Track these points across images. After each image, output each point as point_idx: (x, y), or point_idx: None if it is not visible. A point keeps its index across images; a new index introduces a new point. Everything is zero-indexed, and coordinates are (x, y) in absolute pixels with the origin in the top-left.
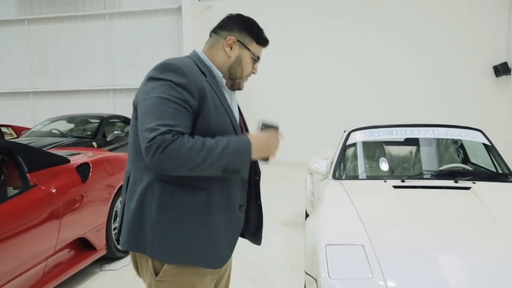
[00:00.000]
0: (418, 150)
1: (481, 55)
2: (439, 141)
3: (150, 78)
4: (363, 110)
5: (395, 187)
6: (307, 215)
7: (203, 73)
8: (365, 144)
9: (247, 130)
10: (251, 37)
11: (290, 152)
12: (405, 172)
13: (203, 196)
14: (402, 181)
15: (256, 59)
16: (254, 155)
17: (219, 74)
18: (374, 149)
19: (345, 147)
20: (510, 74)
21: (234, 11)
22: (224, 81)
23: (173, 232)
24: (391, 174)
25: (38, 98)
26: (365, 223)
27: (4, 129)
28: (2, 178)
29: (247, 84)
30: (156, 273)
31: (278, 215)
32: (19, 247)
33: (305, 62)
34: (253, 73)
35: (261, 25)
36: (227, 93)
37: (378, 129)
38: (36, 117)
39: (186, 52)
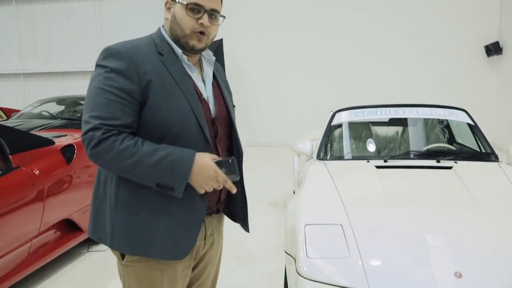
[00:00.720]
0: (404, 130)
1: (473, 35)
2: (425, 121)
3: (96, 65)
4: (354, 91)
5: (377, 167)
6: None
7: (159, 52)
8: (352, 124)
9: (225, 103)
10: None
11: (281, 133)
12: (391, 152)
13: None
14: (385, 161)
15: (191, 8)
16: (193, 179)
17: (179, 50)
18: (361, 130)
19: (330, 128)
20: (501, 54)
21: None
22: (185, 57)
23: (131, 224)
24: (378, 154)
25: (28, 79)
26: (345, 203)
27: None
28: None
29: (239, 66)
30: (123, 257)
31: (267, 196)
32: (2, 228)
33: (297, 43)
34: (202, 25)
35: (254, 7)
36: (193, 70)
37: (363, 109)
38: (27, 99)
39: None
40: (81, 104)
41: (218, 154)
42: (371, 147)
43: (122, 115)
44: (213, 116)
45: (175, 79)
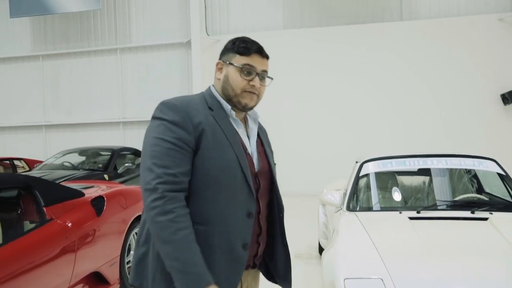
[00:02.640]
0: (431, 180)
1: (489, 83)
2: (452, 171)
3: (152, 117)
4: (373, 140)
5: (411, 218)
6: (320, 247)
7: (209, 107)
8: (378, 174)
9: (267, 159)
10: (232, 52)
11: (301, 183)
12: (419, 202)
13: (201, 235)
14: (418, 212)
15: (244, 69)
16: None
17: (227, 106)
18: (386, 180)
19: (358, 178)
20: None
21: None
22: (233, 113)
23: None
24: (405, 204)
25: (50, 131)
26: (383, 256)
27: (17, 162)
28: (19, 212)
29: (262, 116)
30: None
31: (291, 247)
32: (35, 282)
33: (318, 92)
34: (253, 86)
35: (273, 56)
36: (239, 125)
37: (391, 160)
38: (48, 150)
39: (195, 85)
40: (102, 155)
41: (259, 207)
42: (399, 197)
43: (181, 163)
44: (256, 170)
45: (224, 132)
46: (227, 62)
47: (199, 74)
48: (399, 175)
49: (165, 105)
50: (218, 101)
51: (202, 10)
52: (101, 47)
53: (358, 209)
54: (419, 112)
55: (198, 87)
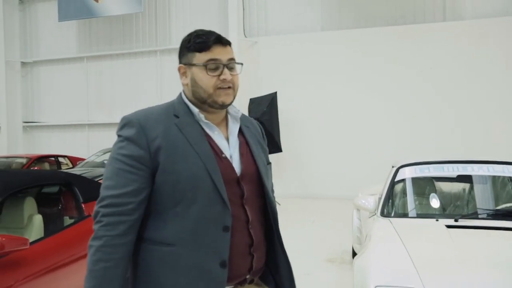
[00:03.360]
0: (471, 188)
1: None
2: (494, 179)
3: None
4: (413, 145)
5: (448, 226)
6: (353, 252)
7: (175, 115)
8: (414, 180)
9: (254, 160)
10: (190, 51)
11: (333, 185)
12: (458, 210)
13: (170, 256)
14: (456, 220)
15: (209, 66)
16: None
17: (195, 110)
18: (423, 186)
19: (393, 183)
20: None
21: (279, 46)
22: (202, 115)
23: None
24: (443, 212)
25: (92, 130)
26: (416, 264)
27: (61, 159)
28: (60, 208)
29: (291, 118)
30: None
31: (322, 251)
32: (73, 275)
33: (356, 94)
34: (224, 79)
35: (307, 60)
36: (212, 128)
37: (429, 165)
38: (90, 148)
39: None
40: None
41: (246, 215)
42: (436, 204)
43: (129, 183)
44: (238, 174)
45: (188, 140)
46: (189, 64)
47: None
48: (437, 181)
49: (121, 121)
50: (187, 106)
51: (240, 11)
52: (141, 48)
53: (392, 215)
54: (462, 116)
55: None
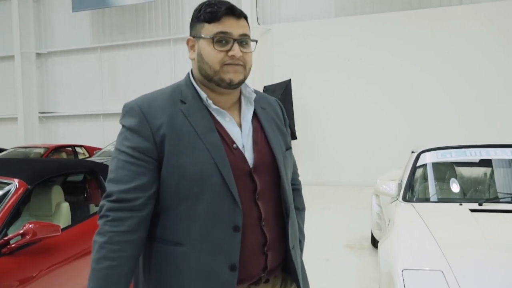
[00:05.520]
0: (493, 172)
1: None
2: None
3: None
4: (428, 130)
5: (472, 210)
6: (373, 238)
7: (181, 101)
8: (435, 165)
9: (270, 147)
10: (199, 21)
11: (349, 172)
12: (479, 195)
13: (176, 257)
14: (480, 204)
15: (219, 39)
16: None
17: (203, 95)
18: (445, 170)
19: (414, 169)
20: None
21: (293, 33)
22: (211, 101)
23: None
24: (464, 196)
25: (107, 119)
26: (442, 247)
27: (78, 149)
28: (85, 195)
29: (306, 105)
30: None
31: (341, 237)
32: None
33: (372, 80)
34: (233, 56)
35: (321, 47)
36: (223, 114)
37: (450, 150)
38: (106, 138)
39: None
40: None
41: (259, 211)
42: (457, 189)
43: (135, 176)
44: (251, 166)
45: (195, 130)
46: (197, 36)
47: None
48: (457, 166)
49: (123, 108)
50: (195, 89)
51: None
52: (155, 38)
53: (414, 200)
54: (482, 101)
55: (248, 77)
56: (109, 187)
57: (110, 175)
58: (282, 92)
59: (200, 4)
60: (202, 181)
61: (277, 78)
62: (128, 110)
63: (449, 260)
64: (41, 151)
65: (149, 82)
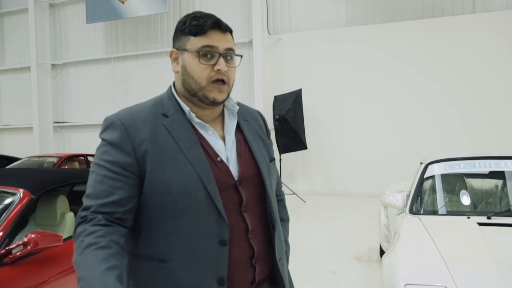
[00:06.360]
0: (504, 184)
1: None
2: None
3: None
4: (440, 141)
5: (480, 224)
6: (381, 250)
7: (164, 114)
8: (444, 176)
9: (254, 160)
10: (184, 34)
11: (358, 183)
12: (490, 208)
13: (162, 274)
14: (488, 217)
15: (203, 53)
16: None
17: (185, 108)
18: (454, 182)
19: (422, 180)
20: None
21: (303, 42)
22: (194, 114)
23: None
24: (474, 209)
25: None
26: (447, 262)
27: (90, 158)
28: None
29: (316, 115)
30: None
31: (349, 248)
32: None
33: (382, 90)
34: (218, 70)
35: (332, 57)
36: (206, 128)
37: (459, 162)
38: None
39: (257, 85)
40: None
41: (245, 224)
42: (467, 201)
43: (114, 191)
44: (236, 179)
45: (179, 145)
46: (181, 48)
47: (261, 73)
48: (467, 177)
49: (104, 122)
50: (178, 103)
51: (264, 9)
52: (167, 48)
53: (422, 212)
54: (494, 111)
55: (259, 87)
56: (85, 201)
57: (88, 190)
58: (292, 102)
59: (185, 16)
60: (186, 196)
61: (287, 88)
62: (109, 124)
63: (453, 275)
64: (54, 160)
65: (161, 92)
